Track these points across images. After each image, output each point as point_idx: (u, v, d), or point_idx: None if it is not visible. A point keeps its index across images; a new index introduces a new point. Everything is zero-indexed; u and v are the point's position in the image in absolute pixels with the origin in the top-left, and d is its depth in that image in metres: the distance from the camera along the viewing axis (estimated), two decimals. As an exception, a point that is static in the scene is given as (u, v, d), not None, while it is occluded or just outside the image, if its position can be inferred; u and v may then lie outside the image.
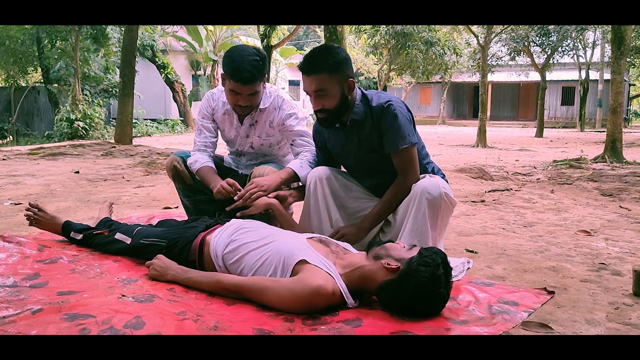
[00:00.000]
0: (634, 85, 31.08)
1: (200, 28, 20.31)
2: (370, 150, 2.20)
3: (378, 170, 2.25)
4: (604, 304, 1.84)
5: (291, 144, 2.57)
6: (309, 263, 1.74)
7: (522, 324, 1.65)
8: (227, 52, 2.35)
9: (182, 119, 21.02)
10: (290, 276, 1.75)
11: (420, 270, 1.64)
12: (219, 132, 2.68)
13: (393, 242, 1.82)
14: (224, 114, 2.58)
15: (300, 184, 2.41)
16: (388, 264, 1.69)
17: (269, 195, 2.24)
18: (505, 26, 15.01)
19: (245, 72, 2.27)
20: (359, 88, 2.20)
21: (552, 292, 1.92)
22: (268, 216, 2.30)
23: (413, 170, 2.13)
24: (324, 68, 2.06)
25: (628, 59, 14.28)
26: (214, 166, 2.53)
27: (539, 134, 17.79)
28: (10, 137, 17.02)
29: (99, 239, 2.31)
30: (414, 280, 1.64)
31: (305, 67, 2.10)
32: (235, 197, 2.23)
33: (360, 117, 2.17)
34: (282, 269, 1.78)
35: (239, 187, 2.28)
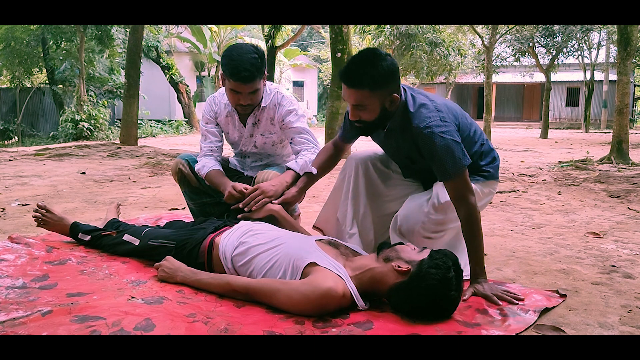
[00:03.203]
0: (639, 86, 30.95)
1: (205, 29, 20.33)
2: (407, 156, 2.12)
3: (414, 168, 2.20)
4: (616, 307, 1.82)
5: (290, 142, 2.53)
6: (319, 265, 1.73)
7: (534, 327, 1.63)
8: (225, 51, 2.32)
9: (186, 119, 21.05)
10: (300, 278, 1.74)
11: (431, 272, 1.63)
12: (224, 135, 2.67)
13: (403, 244, 1.81)
14: (226, 117, 2.56)
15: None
16: (398, 266, 1.68)
17: (274, 201, 2.24)
18: (510, 27, 14.97)
19: (245, 70, 2.25)
20: (404, 91, 1.99)
21: (564, 295, 1.90)
22: (276, 219, 2.30)
23: (468, 194, 1.91)
24: (366, 84, 1.85)
25: (634, 60, 14.22)
26: (221, 169, 2.52)
27: (544, 134, 17.73)
28: (16, 137, 17.07)
29: (107, 240, 2.31)
30: (424, 282, 1.63)
31: (346, 78, 1.89)
32: (240, 205, 2.22)
33: (397, 127, 2.02)
34: (292, 272, 1.77)
35: (246, 192, 2.27)
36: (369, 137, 2.21)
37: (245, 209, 2.22)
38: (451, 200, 1.94)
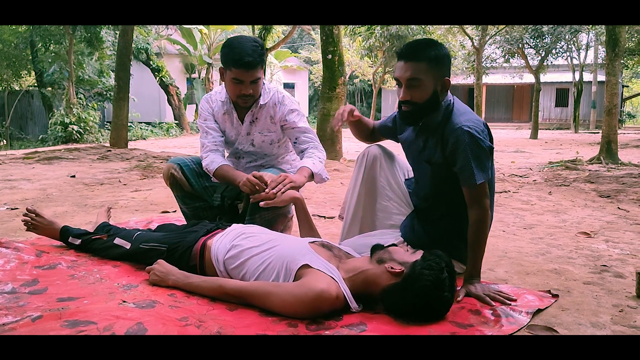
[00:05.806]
0: (627, 86, 31.28)
1: (195, 31, 20.26)
2: (427, 160, 2.09)
3: (426, 181, 2.15)
4: (608, 307, 1.83)
5: (294, 142, 2.53)
6: (312, 267, 1.73)
7: (527, 327, 1.64)
8: (224, 43, 2.32)
9: (177, 122, 20.96)
10: (293, 281, 1.73)
11: (424, 273, 1.63)
12: None
13: (396, 245, 1.81)
14: (224, 114, 2.55)
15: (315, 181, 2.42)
16: (392, 268, 1.68)
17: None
18: (500, 28, 15.06)
19: (248, 56, 2.24)
20: (451, 96, 2.04)
21: (556, 295, 1.91)
22: (270, 221, 2.29)
23: (484, 199, 1.93)
24: (425, 57, 1.93)
25: (622, 61, 14.36)
26: (230, 163, 2.50)
27: (534, 135, 17.84)
28: (4, 141, 16.90)
29: (98, 244, 2.29)
30: (418, 284, 1.63)
31: (405, 52, 1.96)
32: (268, 189, 2.18)
33: (433, 124, 2.03)
34: (285, 274, 1.77)
35: (265, 180, 2.22)
36: (397, 139, 2.26)
37: (274, 190, 2.17)
38: (467, 201, 1.95)
